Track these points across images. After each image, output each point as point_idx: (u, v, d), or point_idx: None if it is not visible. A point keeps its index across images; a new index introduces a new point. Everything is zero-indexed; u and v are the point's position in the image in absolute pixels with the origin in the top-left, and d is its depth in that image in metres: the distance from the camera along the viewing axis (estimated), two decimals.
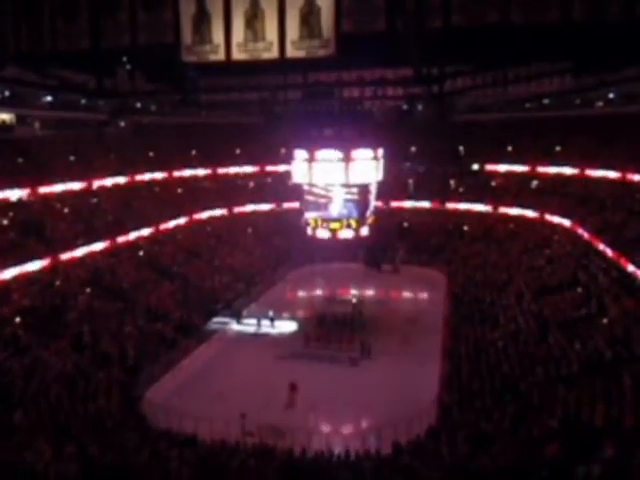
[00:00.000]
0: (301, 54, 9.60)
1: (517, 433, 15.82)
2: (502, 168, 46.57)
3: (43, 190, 34.42)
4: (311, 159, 27.42)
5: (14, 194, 32.47)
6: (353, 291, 36.01)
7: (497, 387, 20.50)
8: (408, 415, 18.32)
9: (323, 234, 28.84)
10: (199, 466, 14.45)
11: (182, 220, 42.90)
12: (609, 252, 29.62)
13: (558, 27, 8.87)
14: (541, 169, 43.96)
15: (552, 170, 43.01)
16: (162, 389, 23.13)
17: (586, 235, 33.79)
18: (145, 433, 18.17)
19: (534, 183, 45.35)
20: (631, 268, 26.41)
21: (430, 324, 29.99)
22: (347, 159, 27.15)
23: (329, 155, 27.61)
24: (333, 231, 28.46)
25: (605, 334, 22.01)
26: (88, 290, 30.19)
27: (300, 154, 28.23)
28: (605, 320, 23.37)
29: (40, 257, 29.99)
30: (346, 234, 28.68)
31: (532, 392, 19.05)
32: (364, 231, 29.36)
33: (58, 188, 35.49)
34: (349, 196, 27.86)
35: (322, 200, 28.46)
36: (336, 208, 28.23)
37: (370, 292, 37.15)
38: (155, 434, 18.26)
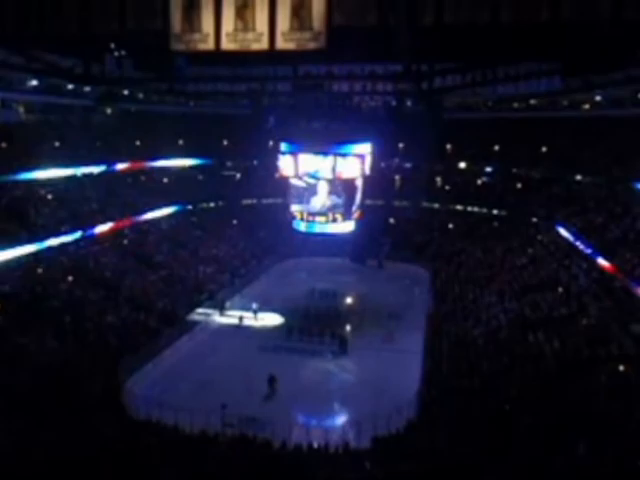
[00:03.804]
0: (291, 46, 9.57)
1: (494, 430, 16.01)
2: (488, 167, 46.84)
3: (27, 176, 33.92)
4: (298, 153, 27.42)
5: None
6: (341, 287, 35.84)
7: (476, 384, 20.71)
8: (388, 410, 18.43)
9: (308, 227, 28.93)
10: (178, 456, 14.43)
11: (167, 210, 42.62)
12: (590, 253, 29.97)
13: (547, 27, 8.95)
14: (525, 169, 44.27)
15: (536, 171, 43.33)
16: (143, 379, 23.03)
17: (568, 236, 34.14)
18: (125, 423, 18.11)
19: (518, 183, 45.70)
20: (611, 269, 26.75)
21: (413, 320, 30.17)
22: (335, 153, 27.18)
23: (316, 149, 27.62)
24: (319, 225, 28.56)
25: (584, 334, 22.32)
26: (70, 278, 29.91)
27: (287, 147, 28.24)
28: (584, 320, 23.69)
29: (22, 243, 29.60)
30: (331, 228, 28.80)
31: (510, 389, 19.27)
32: (350, 226, 29.47)
33: (42, 174, 35.02)
34: (335, 190, 27.91)
35: (308, 193, 28.48)
36: (322, 202, 28.28)
37: (354, 287, 37.18)
38: (135, 424, 18.21)
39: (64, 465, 12.40)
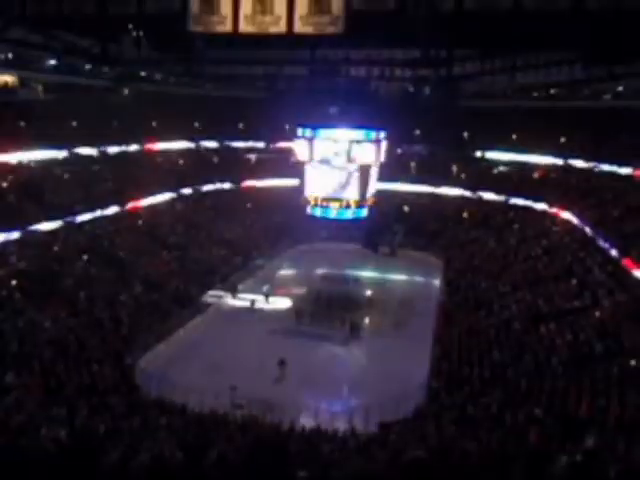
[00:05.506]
0: (309, 30, 9.47)
1: (502, 419, 16.03)
2: (505, 156, 46.36)
3: (44, 154, 34.19)
4: (314, 137, 27.34)
5: (14, 157, 32.27)
6: (352, 273, 35.63)
7: (486, 373, 20.71)
8: (396, 396, 18.51)
9: (322, 213, 28.95)
10: (186, 435, 14.61)
11: (182, 191, 42.77)
12: (606, 246, 29.65)
13: (570, 15, 8.79)
14: (544, 159, 43.76)
15: (555, 161, 42.80)
16: (155, 359, 23.32)
17: (584, 228, 33.78)
18: (136, 401, 18.36)
19: (536, 173, 45.20)
20: (627, 263, 26.47)
21: (424, 308, 30.15)
22: (350, 139, 27.09)
23: (332, 134, 27.54)
24: (333, 210, 28.57)
25: (596, 327, 22.18)
26: (85, 257, 30.24)
27: (303, 132, 28.17)
28: (597, 313, 23.51)
29: (38, 221, 29.94)
30: (345, 214, 28.79)
31: (520, 380, 19.25)
32: (363, 212, 29.44)
33: (59, 153, 35.26)
34: (350, 176, 27.84)
35: (323, 179, 28.44)
36: (336, 187, 28.24)
37: (366, 273, 37.19)
38: (146, 403, 18.46)
39: (74, 442, 12.61)
